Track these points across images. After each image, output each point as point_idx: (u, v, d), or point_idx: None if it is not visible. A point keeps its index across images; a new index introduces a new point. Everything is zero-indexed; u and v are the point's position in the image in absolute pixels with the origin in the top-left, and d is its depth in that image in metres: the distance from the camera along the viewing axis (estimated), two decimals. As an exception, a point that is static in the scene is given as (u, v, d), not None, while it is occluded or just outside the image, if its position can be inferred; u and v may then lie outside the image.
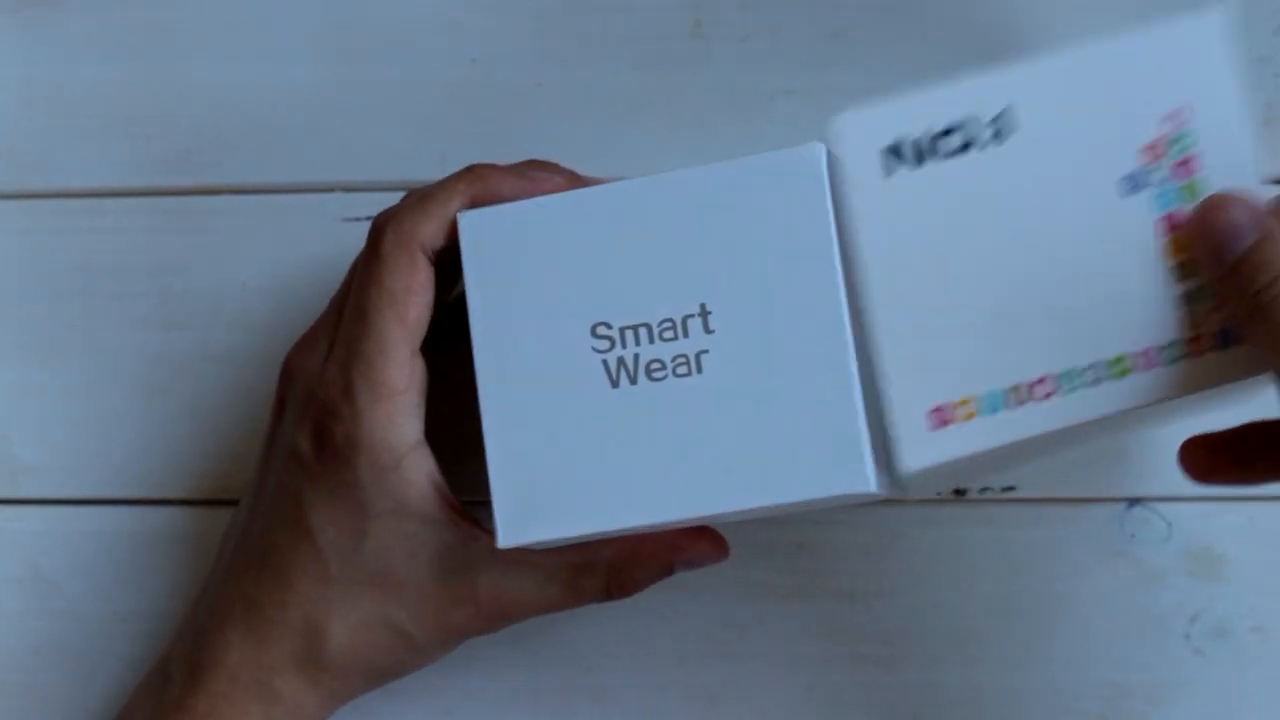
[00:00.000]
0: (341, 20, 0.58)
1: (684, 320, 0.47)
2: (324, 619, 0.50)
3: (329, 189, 0.58)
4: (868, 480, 0.46)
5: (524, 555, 0.50)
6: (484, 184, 0.49)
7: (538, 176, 0.50)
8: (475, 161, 0.51)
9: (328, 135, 0.58)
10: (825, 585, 0.56)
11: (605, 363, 0.47)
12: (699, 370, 0.47)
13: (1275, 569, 0.56)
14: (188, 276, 0.58)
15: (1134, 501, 0.57)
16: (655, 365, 0.47)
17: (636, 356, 0.47)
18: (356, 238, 0.58)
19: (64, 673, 0.57)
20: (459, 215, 0.48)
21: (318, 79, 0.58)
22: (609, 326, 0.47)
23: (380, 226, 0.49)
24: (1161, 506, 0.56)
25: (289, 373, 0.52)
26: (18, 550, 0.58)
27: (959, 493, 0.56)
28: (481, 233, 0.48)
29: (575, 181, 0.51)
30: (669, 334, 0.47)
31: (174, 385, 0.58)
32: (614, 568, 0.50)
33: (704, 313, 0.47)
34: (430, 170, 0.58)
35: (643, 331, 0.47)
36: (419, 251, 0.49)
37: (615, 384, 0.47)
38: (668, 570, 0.52)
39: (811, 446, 0.46)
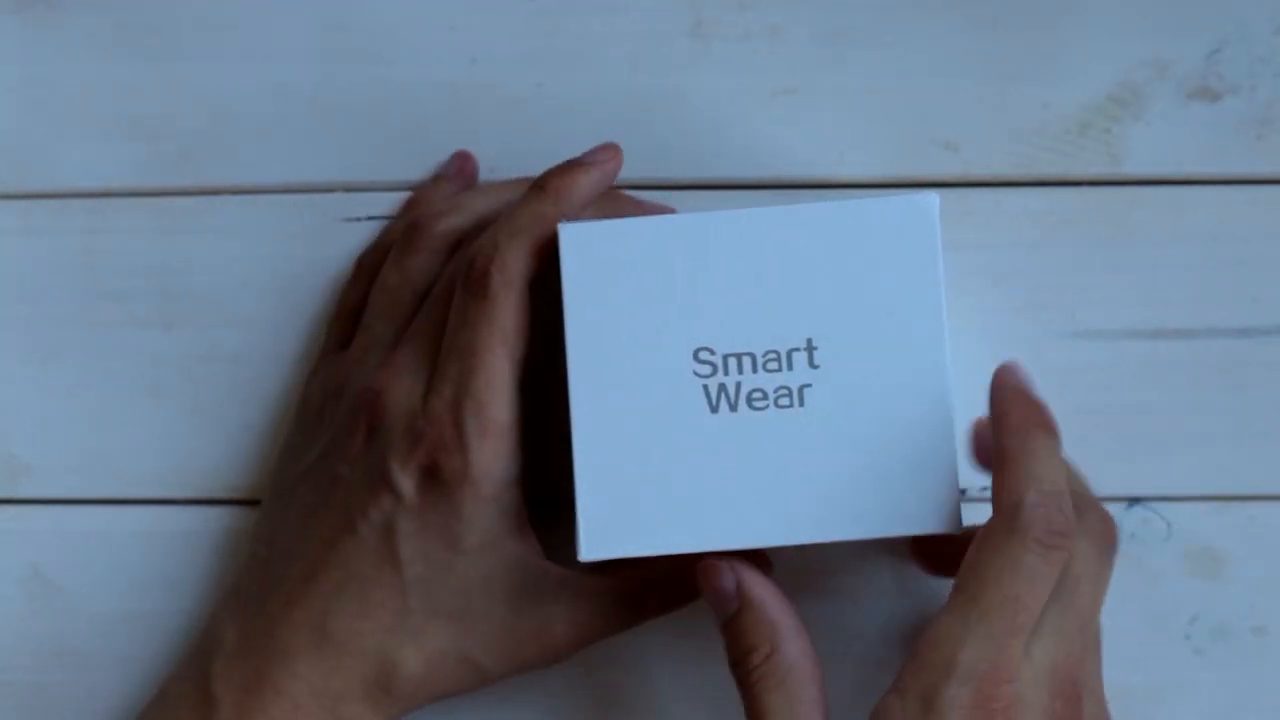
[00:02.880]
0: (341, 20, 0.58)
1: (789, 353, 0.48)
2: (398, 649, 0.50)
3: (329, 189, 0.58)
4: (959, 523, 0.48)
5: (590, 584, 0.51)
6: (565, 198, 0.50)
7: (598, 159, 0.51)
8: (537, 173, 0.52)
9: (328, 135, 0.58)
10: (825, 586, 0.56)
11: (705, 387, 0.48)
12: (801, 404, 0.48)
13: (1275, 569, 0.56)
14: (188, 276, 0.58)
15: (1134, 501, 0.57)
16: (757, 394, 0.48)
17: (739, 384, 0.48)
18: (357, 238, 0.58)
19: (64, 673, 0.57)
20: (560, 227, 0.48)
21: (317, 79, 0.58)
22: (712, 352, 0.48)
23: (484, 268, 0.49)
24: (1161, 506, 0.56)
25: (383, 404, 0.51)
26: (18, 550, 0.58)
27: (959, 491, 0.56)
28: (582, 247, 0.48)
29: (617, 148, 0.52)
30: (773, 365, 0.48)
31: (174, 385, 0.58)
32: (673, 579, 0.51)
33: (810, 348, 0.48)
34: (430, 171, 0.58)
35: (746, 360, 0.48)
36: (525, 289, 0.50)
37: (714, 409, 0.48)
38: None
39: (905, 486, 0.48)
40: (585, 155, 0.51)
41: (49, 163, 0.59)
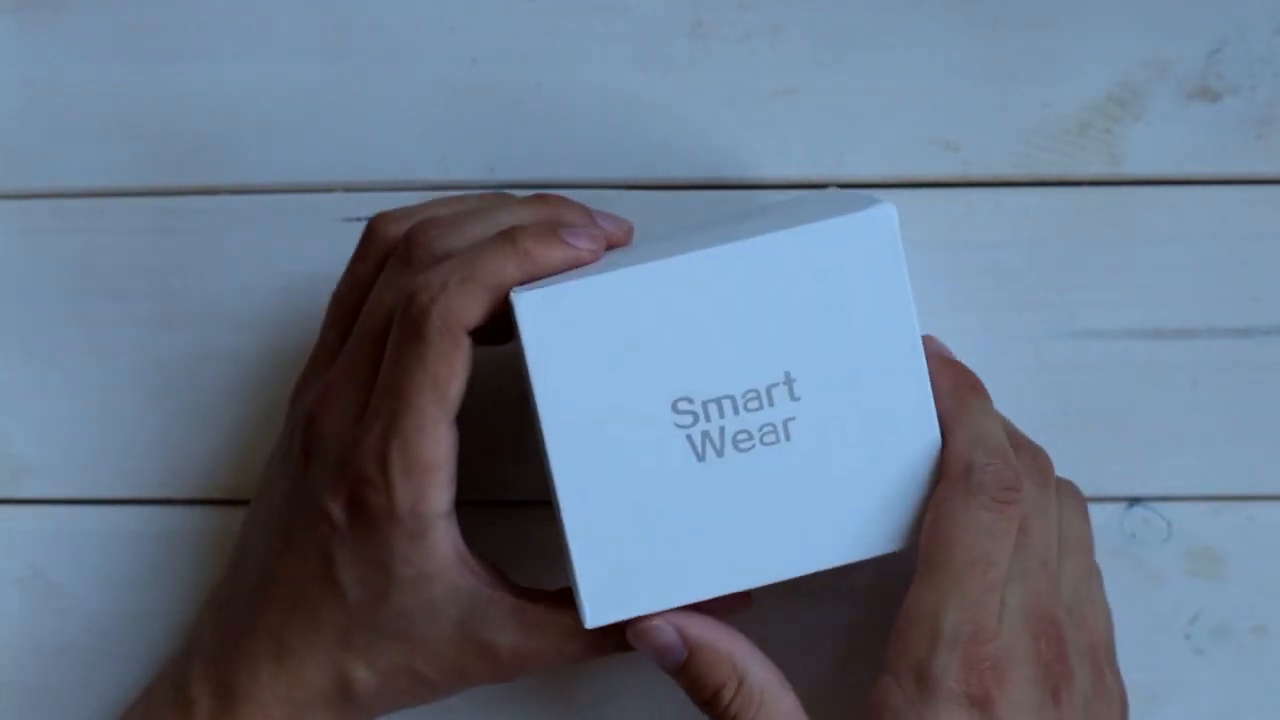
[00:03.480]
0: (341, 20, 0.58)
1: (769, 390, 0.47)
2: (351, 665, 0.51)
3: (329, 189, 0.58)
4: None
5: (542, 616, 0.50)
6: (532, 263, 0.48)
7: (579, 245, 0.49)
8: (501, 193, 0.51)
9: (328, 135, 0.58)
10: (826, 585, 0.56)
11: (689, 437, 0.47)
12: (787, 437, 0.47)
13: (1275, 569, 0.56)
14: (188, 276, 0.58)
15: (1134, 501, 0.57)
16: (742, 436, 0.47)
17: (722, 429, 0.47)
18: (356, 238, 0.58)
19: (64, 673, 0.58)
20: (514, 298, 0.47)
21: (318, 79, 0.58)
22: (691, 401, 0.47)
23: (424, 308, 0.48)
24: (1161, 506, 0.56)
25: (317, 430, 0.51)
26: (18, 550, 0.58)
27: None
28: (541, 316, 0.47)
29: (603, 234, 0.51)
30: (754, 404, 0.47)
31: (174, 385, 0.58)
32: (633, 621, 0.50)
33: (789, 380, 0.47)
34: (430, 170, 0.58)
35: (727, 404, 0.47)
36: (464, 334, 0.48)
37: (701, 457, 0.47)
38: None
39: (902, 498, 0.48)
40: (569, 232, 0.49)
41: (49, 163, 0.59)
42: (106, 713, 0.57)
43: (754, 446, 0.47)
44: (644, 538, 0.47)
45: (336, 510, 0.49)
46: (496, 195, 0.54)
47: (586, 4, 0.58)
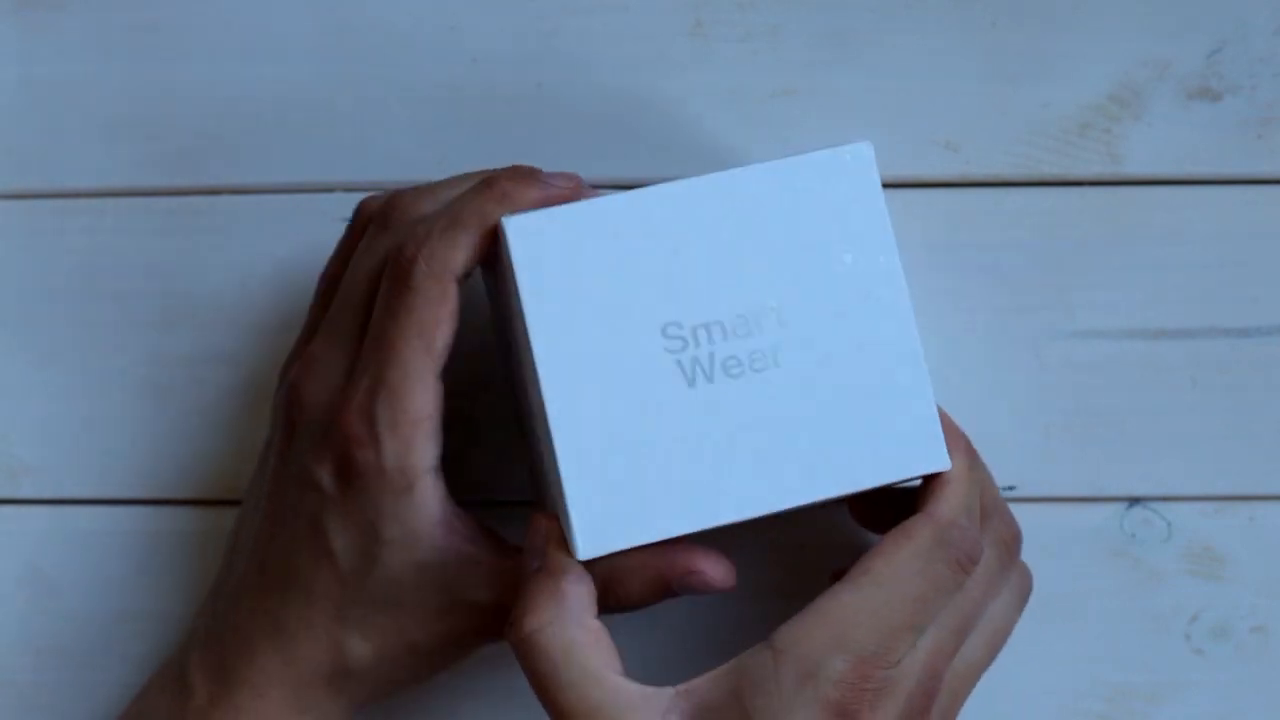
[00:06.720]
0: (342, 20, 0.58)
1: (757, 316, 0.48)
2: (347, 638, 0.51)
3: (329, 189, 0.58)
4: (946, 460, 0.48)
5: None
6: (511, 203, 0.49)
7: (555, 185, 0.50)
8: (482, 169, 0.52)
9: (328, 135, 0.58)
10: (825, 585, 0.56)
11: (680, 363, 0.47)
12: (777, 364, 0.47)
13: (1275, 569, 0.56)
14: (188, 276, 0.58)
15: (1134, 501, 0.57)
16: (732, 362, 0.47)
17: (712, 355, 0.47)
18: (357, 238, 0.58)
19: (64, 673, 0.58)
20: (505, 222, 0.47)
21: (318, 79, 0.58)
22: (680, 326, 0.47)
23: (411, 257, 0.49)
24: (1161, 506, 0.56)
25: (299, 399, 0.51)
26: (18, 550, 0.58)
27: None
28: (532, 239, 0.47)
29: (579, 183, 0.51)
30: (743, 330, 0.47)
31: (174, 385, 0.58)
32: (606, 582, 0.50)
33: (776, 307, 0.48)
34: (430, 170, 0.58)
35: (715, 329, 0.47)
36: (452, 281, 0.49)
37: (692, 383, 0.47)
38: (664, 588, 0.52)
39: (890, 431, 0.48)
40: (545, 174, 0.50)
41: (49, 163, 0.59)
42: (106, 713, 0.57)
43: (744, 373, 0.47)
44: (638, 467, 0.47)
45: (325, 477, 0.50)
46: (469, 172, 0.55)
47: (586, 4, 0.58)
